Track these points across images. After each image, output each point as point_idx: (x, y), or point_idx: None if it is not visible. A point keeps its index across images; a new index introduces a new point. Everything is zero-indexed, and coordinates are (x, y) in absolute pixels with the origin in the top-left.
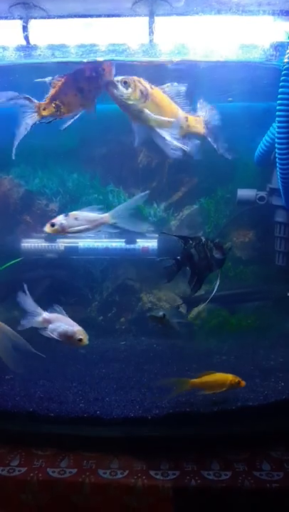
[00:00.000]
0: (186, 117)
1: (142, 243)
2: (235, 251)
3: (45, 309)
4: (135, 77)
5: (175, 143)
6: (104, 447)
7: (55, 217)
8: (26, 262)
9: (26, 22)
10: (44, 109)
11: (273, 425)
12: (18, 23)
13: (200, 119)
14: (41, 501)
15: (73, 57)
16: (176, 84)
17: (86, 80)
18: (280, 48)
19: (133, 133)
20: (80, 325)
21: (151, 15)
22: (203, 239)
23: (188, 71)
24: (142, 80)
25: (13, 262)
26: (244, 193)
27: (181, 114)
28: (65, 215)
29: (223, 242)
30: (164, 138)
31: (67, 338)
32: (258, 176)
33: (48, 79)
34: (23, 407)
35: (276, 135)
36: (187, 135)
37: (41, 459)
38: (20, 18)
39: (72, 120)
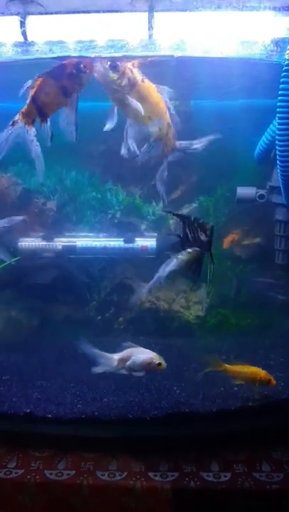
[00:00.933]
0: (169, 124)
1: (140, 242)
2: (234, 250)
3: None
4: (129, 65)
5: (130, 142)
6: (102, 448)
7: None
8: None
9: (24, 18)
10: (28, 115)
11: (273, 425)
12: (16, 19)
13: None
14: (39, 504)
15: (72, 53)
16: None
17: (67, 77)
18: (281, 43)
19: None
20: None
21: (151, 10)
22: (192, 219)
23: (186, 67)
24: (135, 70)
25: (12, 260)
26: (244, 191)
27: (166, 118)
28: None
29: (206, 223)
30: (131, 131)
31: (147, 366)
32: (257, 173)
33: (28, 83)
34: (20, 408)
35: (276, 132)
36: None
37: (38, 461)
38: (18, 14)
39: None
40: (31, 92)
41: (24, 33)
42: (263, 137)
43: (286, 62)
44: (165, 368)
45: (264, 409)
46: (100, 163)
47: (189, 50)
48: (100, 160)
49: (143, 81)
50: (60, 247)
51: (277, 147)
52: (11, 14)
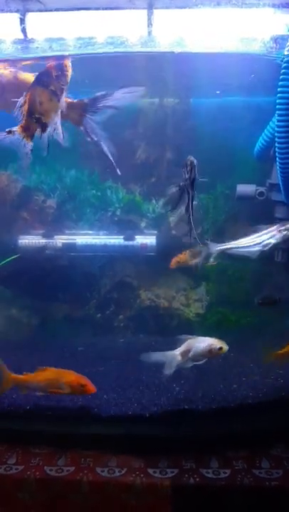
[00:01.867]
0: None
1: (140, 240)
2: None
3: None
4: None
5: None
6: (102, 445)
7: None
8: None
9: (23, 15)
10: (27, 129)
11: (273, 422)
12: (16, 17)
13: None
14: (39, 500)
15: (72, 50)
16: None
17: (55, 80)
18: (280, 40)
19: None
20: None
21: (150, 7)
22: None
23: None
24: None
25: (11, 258)
26: (243, 188)
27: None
28: None
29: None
30: None
31: (208, 353)
32: (257, 171)
33: (20, 101)
34: (20, 405)
35: (276, 129)
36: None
37: (38, 457)
38: (18, 11)
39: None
40: (25, 107)
41: (24, 30)
42: (263, 134)
43: (285, 59)
44: (227, 350)
45: (264, 406)
46: (100, 161)
47: (189, 47)
48: (99, 158)
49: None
50: (60, 245)
51: (276, 144)
52: (11, 11)
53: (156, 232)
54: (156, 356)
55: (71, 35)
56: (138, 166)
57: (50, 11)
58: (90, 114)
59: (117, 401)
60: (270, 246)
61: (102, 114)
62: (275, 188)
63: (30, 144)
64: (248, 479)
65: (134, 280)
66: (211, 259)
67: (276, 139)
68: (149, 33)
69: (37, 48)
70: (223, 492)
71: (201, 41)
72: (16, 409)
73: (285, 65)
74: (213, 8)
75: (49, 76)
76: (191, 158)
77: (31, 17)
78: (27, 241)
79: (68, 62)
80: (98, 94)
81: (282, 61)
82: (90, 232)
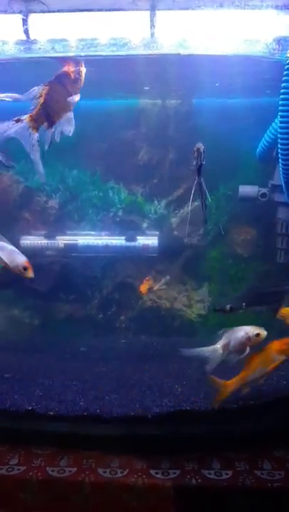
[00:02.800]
0: None
1: (142, 240)
2: (236, 248)
3: None
4: None
5: None
6: (104, 446)
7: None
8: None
9: (26, 16)
10: (36, 120)
11: (275, 423)
12: (18, 18)
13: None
14: (41, 500)
15: (74, 52)
16: None
17: (72, 82)
18: (283, 42)
19: None
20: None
21: (153, 9)
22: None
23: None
24: None
25: None
26: (246, 189)
27: None
28: None
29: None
30: None
31: (248, 341)
32: (259, 172)
33: (35, 90)
34: (22, 405)
35: (278, 130)
36: None
37: (40, 458)
38: (20, 12)
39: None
40: (41, 100)
41: (26, 31)
42: (265, 136)
43: (288, 61)
44: (265, 335)
45: (266, 407)
46: (102, 162)
47: (191, 48)
48: (102, 158)
49: None
50: (62, 246)
51: (279, 146)
52: (14, 12)
53: (158, 233)
54: (198, 352)
55: (74, 37)
56: (140, 166)
57: (53, 12)
58: None
59: (119, 402)
60: None
61: None
62: (278, 189)
63: (36, 135)
64: (250, 480)
65: (136, 281)
66: None
67: (278, 140)
68: (152, 34)
69: (39, 48)
70: (225, 493)
71: (203, 43)
72: (18, 410)
73: (287, 66)
74: (215, 10)
75: (68, 78)
76: (199, 144)
77: (34, 18)
78: (29, 241)
79: (82, 66)
80: None
81: (286, 62)
82: (92, 232)
